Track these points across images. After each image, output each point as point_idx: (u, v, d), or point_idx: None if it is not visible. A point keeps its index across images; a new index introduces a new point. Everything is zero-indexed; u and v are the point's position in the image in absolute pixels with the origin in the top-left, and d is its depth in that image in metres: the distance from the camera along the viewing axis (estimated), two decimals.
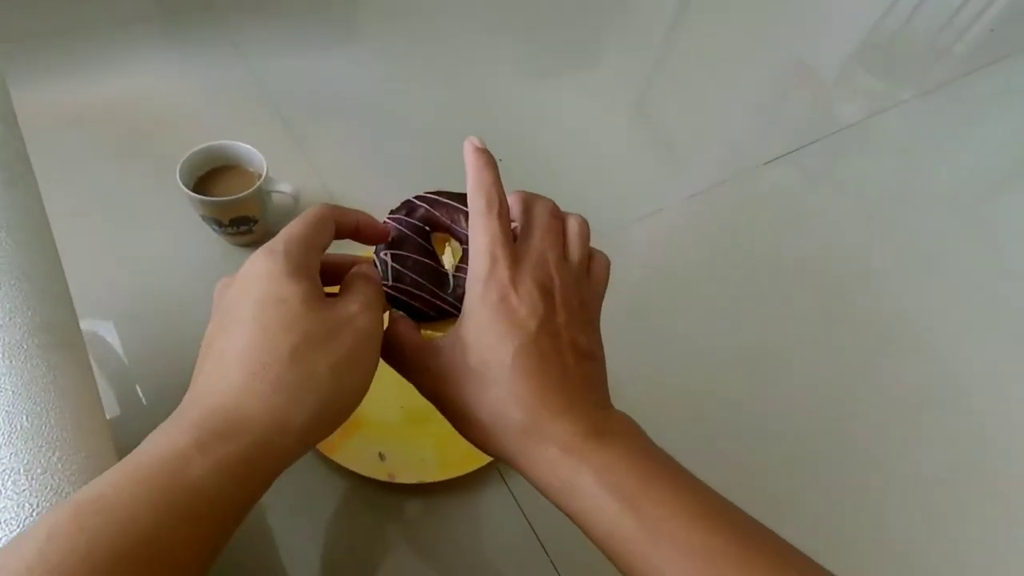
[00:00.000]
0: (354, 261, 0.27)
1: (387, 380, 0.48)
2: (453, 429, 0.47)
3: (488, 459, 0.41)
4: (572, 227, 0.26)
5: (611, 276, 0.28)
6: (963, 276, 0.64)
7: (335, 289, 0.25)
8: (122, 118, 0.62)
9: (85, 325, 0.47)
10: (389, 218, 0.29)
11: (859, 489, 0.47)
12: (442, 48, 0.79)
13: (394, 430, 0.43)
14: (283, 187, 0.49)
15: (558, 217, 0.26)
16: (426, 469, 0.41)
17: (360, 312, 0.23)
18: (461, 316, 0.24)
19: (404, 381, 0.48)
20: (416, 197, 0.29)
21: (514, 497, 0.43)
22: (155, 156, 0.53)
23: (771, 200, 0.68)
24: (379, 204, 0.55)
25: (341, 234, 0.26)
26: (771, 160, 0.71)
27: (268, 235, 0.53)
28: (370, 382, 0.23)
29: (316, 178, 0.59)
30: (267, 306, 0.21)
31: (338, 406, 0.22)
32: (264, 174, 0.48)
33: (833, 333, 0.57)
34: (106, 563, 0.16)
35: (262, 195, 0.48)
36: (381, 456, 0.41)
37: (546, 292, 0.24)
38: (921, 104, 0.86)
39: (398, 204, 0.29)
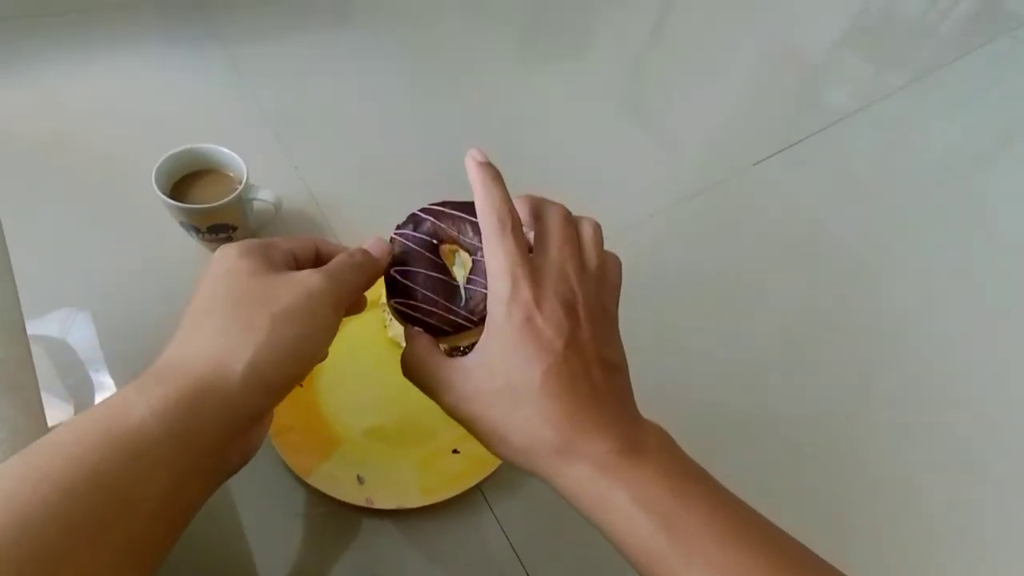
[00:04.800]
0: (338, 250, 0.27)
1: (367, 398, 0.46)
2: (435, 451, 0.45)
3: (472, 483, 0.39)
4: (587, 232, 0.26)
5: None
6: (961, 259, 0.65)
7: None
8: (102, 115, 0.60)
9: (59, 329, 0.46)
10: (395, 234, 0.29)
11: (858, 481, 0.47)
12: (431, 52, 0.78)
13: (373, 452, 0.41)
14: (264, 194, 0.48)
15: (571, 223, 0.26)
16: (406, 493, 0.39)
17: (309, 276, 0.24)
18: (485, 337, 0.24)
19: (383, 399, 0.46)
20: (421, 210, 0.28)
21: (498, 522, 0.41)
22: (136, 155, 0.50)
23: (766, 198, 0.67)
24: (366, 210, 0.55)
25: (321, 261, 0.26)
26: (764, 159, 0.71)
27: None
28: (317, 343, 0.24)
29: (301, 184, 0.57)
30: (217, 277, 0.23)
31: (280, 354, 0.22)
32: (244, 181, 0.46)
33: (835, 329, 0.57)
34: (57, 497, 0.16)
35: (242, 203, 0.46)
36: (359, 479, 0.39)
37: (570, 308, 0.23)
38: (912, 91, 0.86)
39: (404, 218, 0.29)
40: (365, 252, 0.26)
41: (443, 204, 0.28)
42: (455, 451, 0.41)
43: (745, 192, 0.67)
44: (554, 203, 0.26)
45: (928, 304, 0.60)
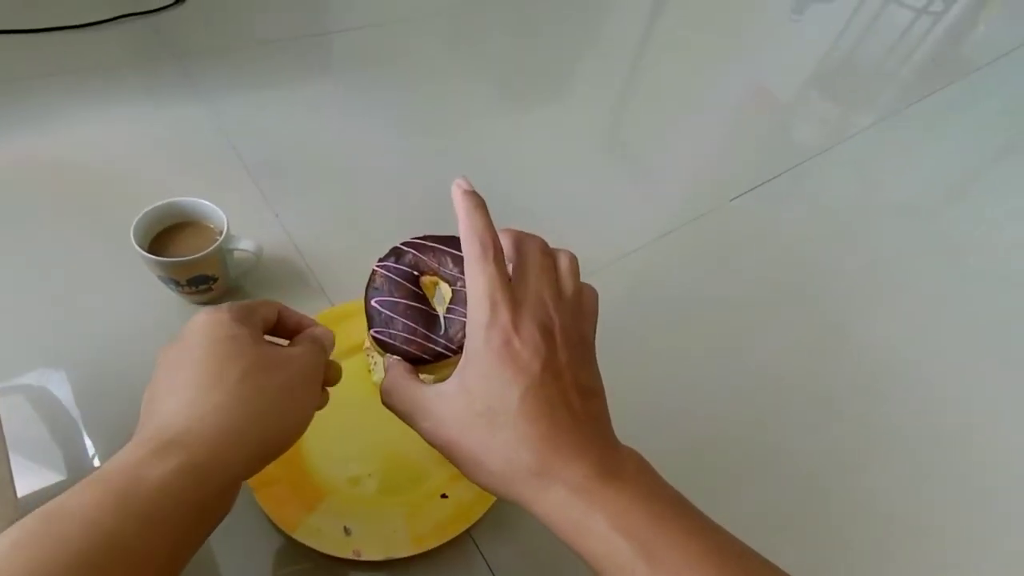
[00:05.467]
0: (301, 325, 0.29)
1: (352, 446, 0.45)
2: (423, 496, 0.44)
3: (462, 529, 0.39)
4: (564, 263, 0.27)
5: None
6: (932, 290, 0.68)
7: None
8: (82, 168, 0.60)
9: (36, 379, 0.44)
10: (377, 266, 0.29)
11: (840, 498, 0.46)
12: (412, 99, 0.80)
13: (360, 501, 0.40)
14: (244, 244, 0.48)
15: (549, 254, 0.27)
16: (396, 543, 0.38)
17: (302, 353, 0.26)
18: (463, 361, 0.24)
19: (369, 446, 0.45)
20: (403, 243, 0.30)
21: (490, 568, 0.40)
22: (115, 209, 0.50)
23: (742, 235, 0.69)
24: (348, 257, 0.55)
25: (283, 325, 0.29)
26: (739, 195, 0.73)
27: (228, 292, 0.51)
28: (310, 414, 0.25)
29: (282, 232, 0.58)
30: (218, 342, 0.24)
31: (284, 425, 0.24)
32: (225, 231, 0.47)
33: (812, 359, 0.57)
34: (77, 563, 0.17)
35: (222, 253, 0.46)
36: (346, 530, 0.38)
37: (547, 333, 0.24)
38: (878, 130, 0.91)
39: (386, 251, 0.30)
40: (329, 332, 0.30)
41: (424, 237, 0.29)
42: (444, 495, 0.41)
43: (722, 227, 0.69)
44: (533, 235, 0.27)
45: (901, 332, 0.62)
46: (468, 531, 0.39)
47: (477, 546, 0.41)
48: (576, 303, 0.26)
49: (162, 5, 0.83)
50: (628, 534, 0.21)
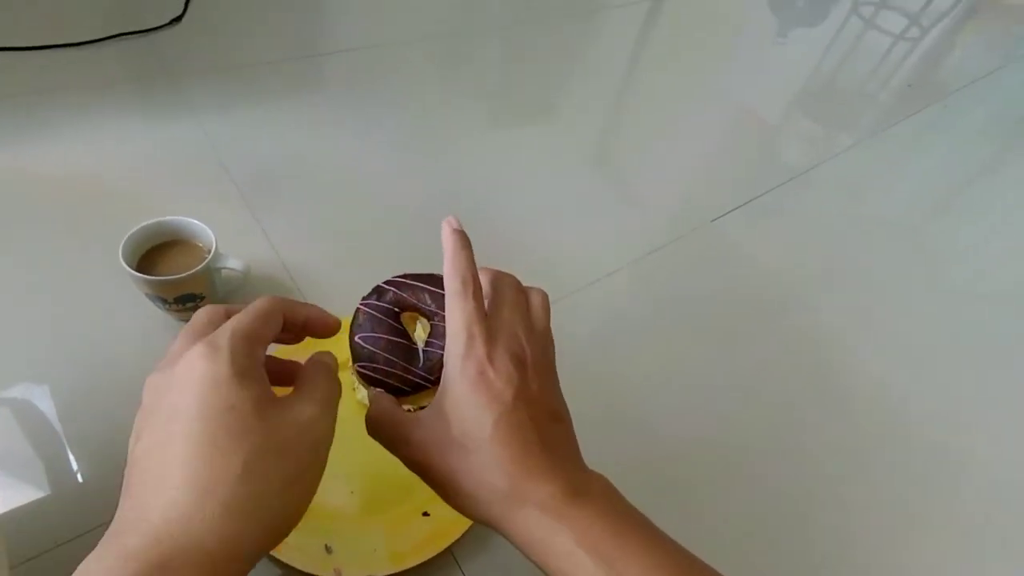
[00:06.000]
0: (309, 321, 0.27)
1: (337, 464, 0.45)
2: (405, 514, 0.44)
3: (443, 546, 0.39)
4: (536, 300, 0.29)
5: (571, 338, 0.30)
6: (913, 308, 0.70)
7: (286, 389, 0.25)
8: (73, 185, 0.61)
9: (21, 393, 0.44)
10: (361, 304, 0.32)
11: (808, 522, 0.47)
12: (401, 118, 0.82)
13: (343, 519, 0.41)
14: (232, 263, 0.49)
15: (523, 291, 0.29)
16: (376, 561, 0.38)
17: (318, 417, 0.23)
18: (441, 390, 0.26)
19: (351, 463, 0.46)
20: (385, 282, 0.32)
21: None
22: (104, 224, 0.51)
23: (726, 253, 0.71)
24: (336, 275, 0.56)
25: (289, 329, 0.27)
26: (723, 214, 0.75)
27: None
28: (318, 483, 0.23)
29: (271, 252, 0.58)
30: (214, 416, 0.20)
31: (289, 519, 0.22)
32: (213, 250, 0.47)
33: (795, 378, 0.58)
34: None
35: (210, 272, 0.47)
36: (327, 549, 0.39)
37: (519, 363, 0.25)
38: (859, 150, 0.94)
39: (368, 290, 0.32)
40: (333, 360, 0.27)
41: (405, 276, 0.31)
42: (425, 514, 0.41)
43: (707, 246, 0.71)
44: (508, 274, 0.29)
45: (883, 347, 0.63)
46: (449, 549, 0.40)
47: (458, 564, 0.41)
48: (546, 336, 0.28)
49: (158, 24, 0.85)
50: (592, 550, 0.22)
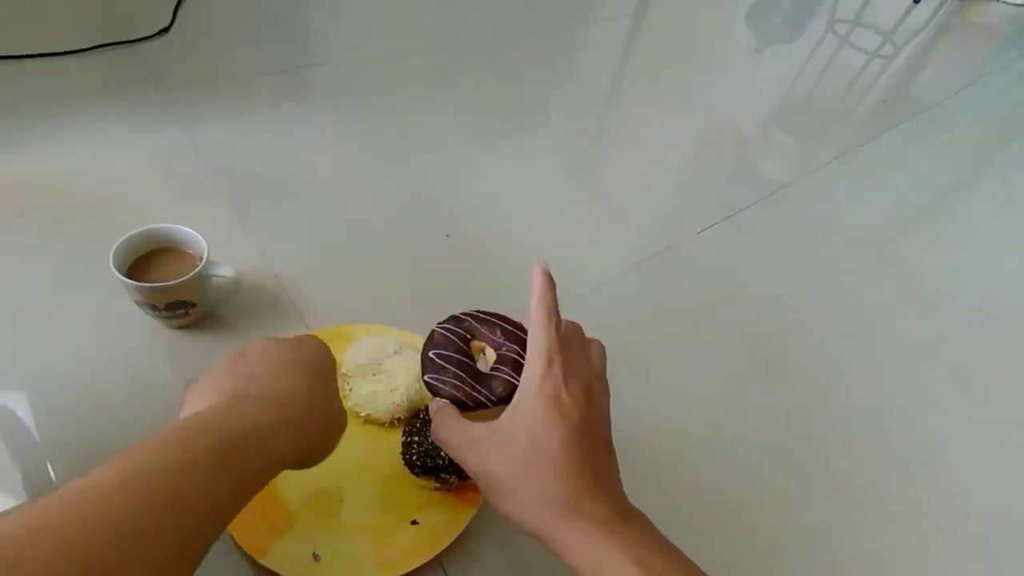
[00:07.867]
0: None
1: (325, 472, 0.46)
2: (394, 522, 0.45)
3: (431, 555, 0.39)
4: (596, 347, 0.34)
5: None
6: (892, 314, 0.72)
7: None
8: (63, 193, 0.61)
9: (1, 400, 0.44)
10: (437, 327, 0.36)
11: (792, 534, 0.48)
12: (388, 130, 0.82)
13: (329, 527, 0.41)
14: (223, 271, 0.49)
15: (586, 339, 0.34)
16: (363, 569, 0.38)
17: (326, 352, 0.35)
18: (515, 403, 0.30)
19: (343, 473, 0.46)
20: (462, 313, 0.36)
21: None
22: (94, 232, 0.51)
23: (708, 266, 0.72)
24: (326, 284, 0.57)
25: None
26: (705, 228, 0.76)
27: (206, 318, 0.51)
28: (336, 440, 0.32)
29: (261, 259, 0.59)
30: (324, 359, 0.34)
31: (315, 432, 0.30)
32: (204, 258, 0.47)
33: (780, 394, 0.59)
34: (98, 545, 0.19)
35: (201, 280, 0.47)
36: (315, 557, 0.38)
37: (588, 393, 0.29)
38: (838, 164, 0.96)
39: (445, 317, 0.37)
40: None
41: (479, 311, 0.36)
42: (414, 522, 0.41)
43: (688, 260, 0.72)
44: (576, 322, 0.34)
45: (861, 359, 0.65)
46: (437, 558, 0.40)
47: (446, 573, 0.41)
48: (602, 379, 0.32)
49: (146, 35, 0.85)
50: (642, 565, 0.25)
